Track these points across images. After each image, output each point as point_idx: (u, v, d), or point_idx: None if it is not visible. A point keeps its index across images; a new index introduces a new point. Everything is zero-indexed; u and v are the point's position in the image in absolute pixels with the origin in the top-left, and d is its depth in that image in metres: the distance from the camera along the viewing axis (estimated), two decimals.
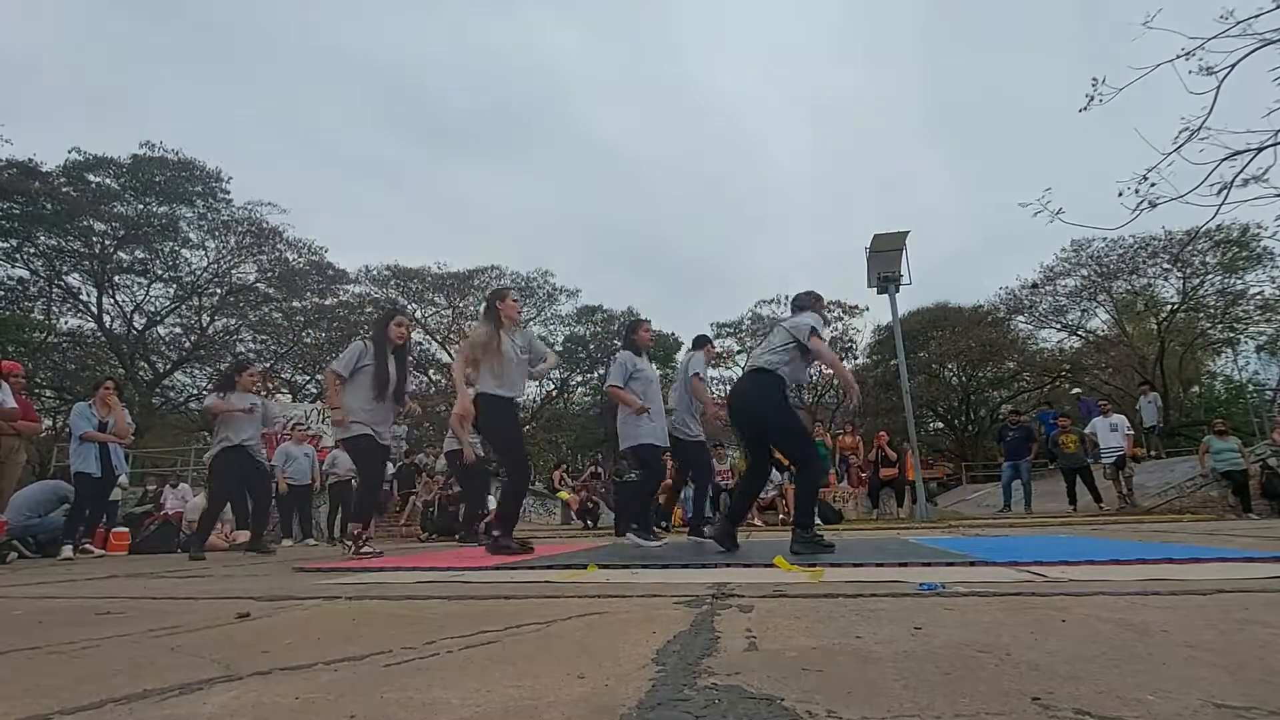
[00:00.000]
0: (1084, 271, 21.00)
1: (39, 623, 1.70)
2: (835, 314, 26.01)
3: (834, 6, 72.04)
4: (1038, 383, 23.41)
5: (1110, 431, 8.90)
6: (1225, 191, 6.34)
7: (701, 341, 5.01)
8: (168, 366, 20.71)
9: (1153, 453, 12.34)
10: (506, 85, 64.17)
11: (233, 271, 20.73)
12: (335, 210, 54.29)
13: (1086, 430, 9.28)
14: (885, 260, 9.45)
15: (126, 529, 6.86)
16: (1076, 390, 14.93)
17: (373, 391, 4.20)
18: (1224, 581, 1.79)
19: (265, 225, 20.51)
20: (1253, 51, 5.96)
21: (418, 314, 24.57)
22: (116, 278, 19.20)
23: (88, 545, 5.75)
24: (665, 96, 70.00)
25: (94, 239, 18.16)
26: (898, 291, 9.57)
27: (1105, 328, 22.58)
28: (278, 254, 21.08)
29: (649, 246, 54.78)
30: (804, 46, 73.22)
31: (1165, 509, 8.66)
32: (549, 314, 25.72)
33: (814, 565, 2.50)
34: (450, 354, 25.26)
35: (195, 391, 22.20)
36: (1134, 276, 20.45)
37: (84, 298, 19.23)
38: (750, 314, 26.15)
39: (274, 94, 56.31)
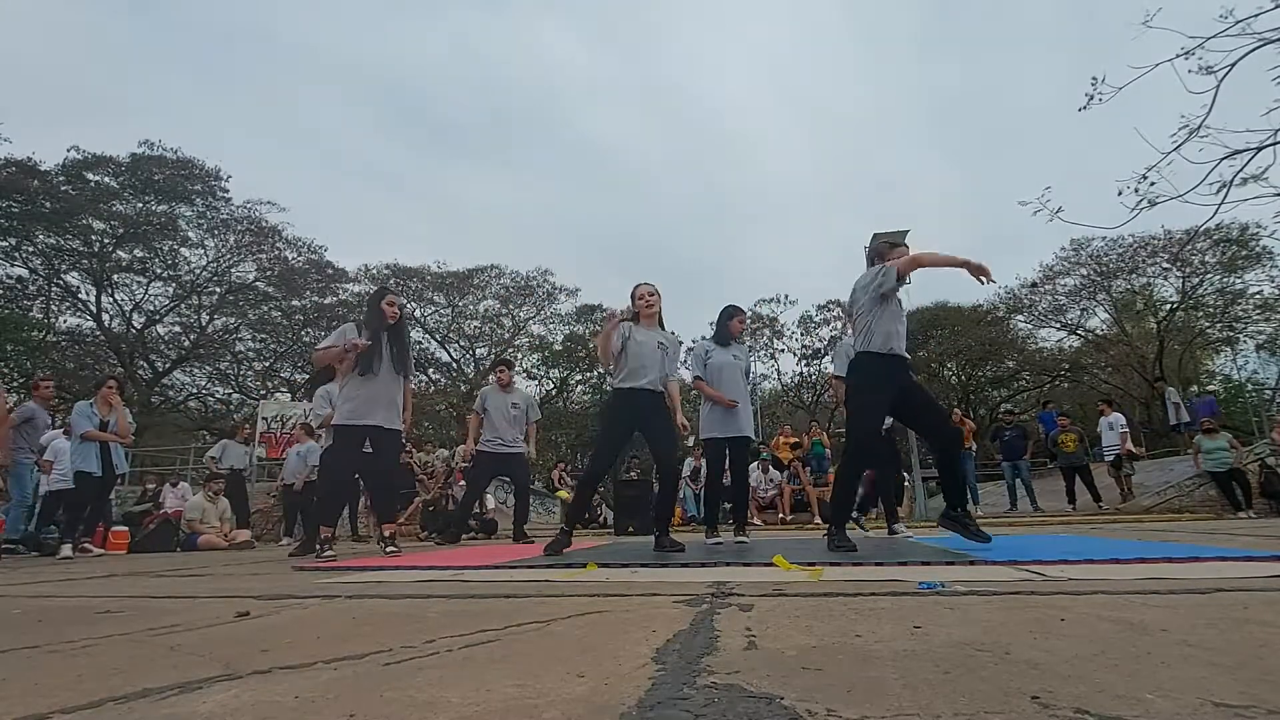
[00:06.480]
0: (1083, 271, 21.00)
1: (38, 622, 1.70)
2: (834, 313, 26.08)
3: (832, 6, 71.99)
4: (1037, 382, 23.40)
5: (1108, 430, 8.92)
6: (1225, 190, 6.34)
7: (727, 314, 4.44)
8: (167, 365, 20.70)
9: (1187, 450, 12.18)
10: (506, 87, 64.21)
11: (232, 270, 20.73)
12: (335, 210, 54.28)
13: None
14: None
15: (125, 528, 6.86)
16: (1048, 403, 14.79)
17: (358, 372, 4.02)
18: (1223, 580, 1.79)
19: (264, 224, 20.52)
20: (1252, 50, 5.96)
21: (417, 313, 24.53)
22: (115, 276, 19.18)
23: (87, 544, 5.74)
24: (664, 98, 70.05)
25: (93, 238, 18.14)
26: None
27: (1104, 327, 22.58)
28: (277, 253, 21.08)
29: (648, 246, 54.77)
30: (801, 46, 73.22)
31: (1165, 508, 8.67)
32: (549, 313, 25.70)
33: (813, 564, 2.50)
34: (449, 353, 25.24)
35: (194, 390, 22.19)
36: (1133, 275, 20.46)
37: (83, 296, 19.23)
38: (750, 313, 26.18)
39: (275, 96, 56.26)
